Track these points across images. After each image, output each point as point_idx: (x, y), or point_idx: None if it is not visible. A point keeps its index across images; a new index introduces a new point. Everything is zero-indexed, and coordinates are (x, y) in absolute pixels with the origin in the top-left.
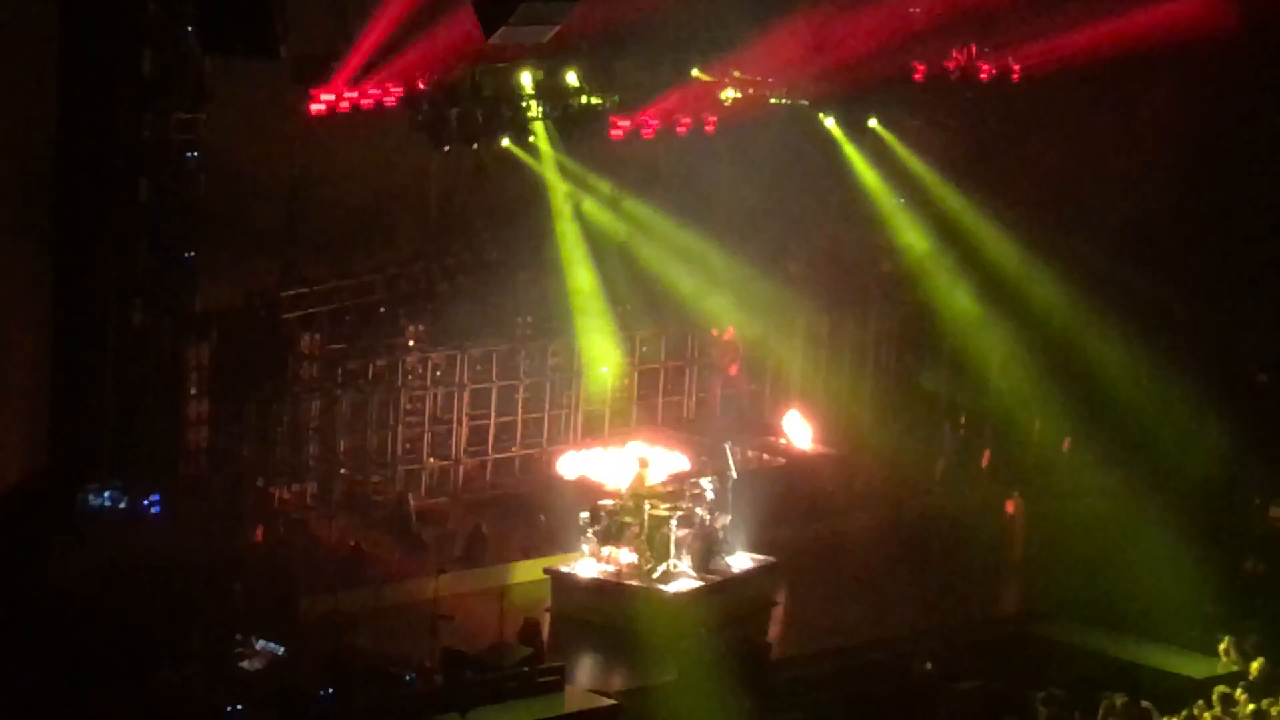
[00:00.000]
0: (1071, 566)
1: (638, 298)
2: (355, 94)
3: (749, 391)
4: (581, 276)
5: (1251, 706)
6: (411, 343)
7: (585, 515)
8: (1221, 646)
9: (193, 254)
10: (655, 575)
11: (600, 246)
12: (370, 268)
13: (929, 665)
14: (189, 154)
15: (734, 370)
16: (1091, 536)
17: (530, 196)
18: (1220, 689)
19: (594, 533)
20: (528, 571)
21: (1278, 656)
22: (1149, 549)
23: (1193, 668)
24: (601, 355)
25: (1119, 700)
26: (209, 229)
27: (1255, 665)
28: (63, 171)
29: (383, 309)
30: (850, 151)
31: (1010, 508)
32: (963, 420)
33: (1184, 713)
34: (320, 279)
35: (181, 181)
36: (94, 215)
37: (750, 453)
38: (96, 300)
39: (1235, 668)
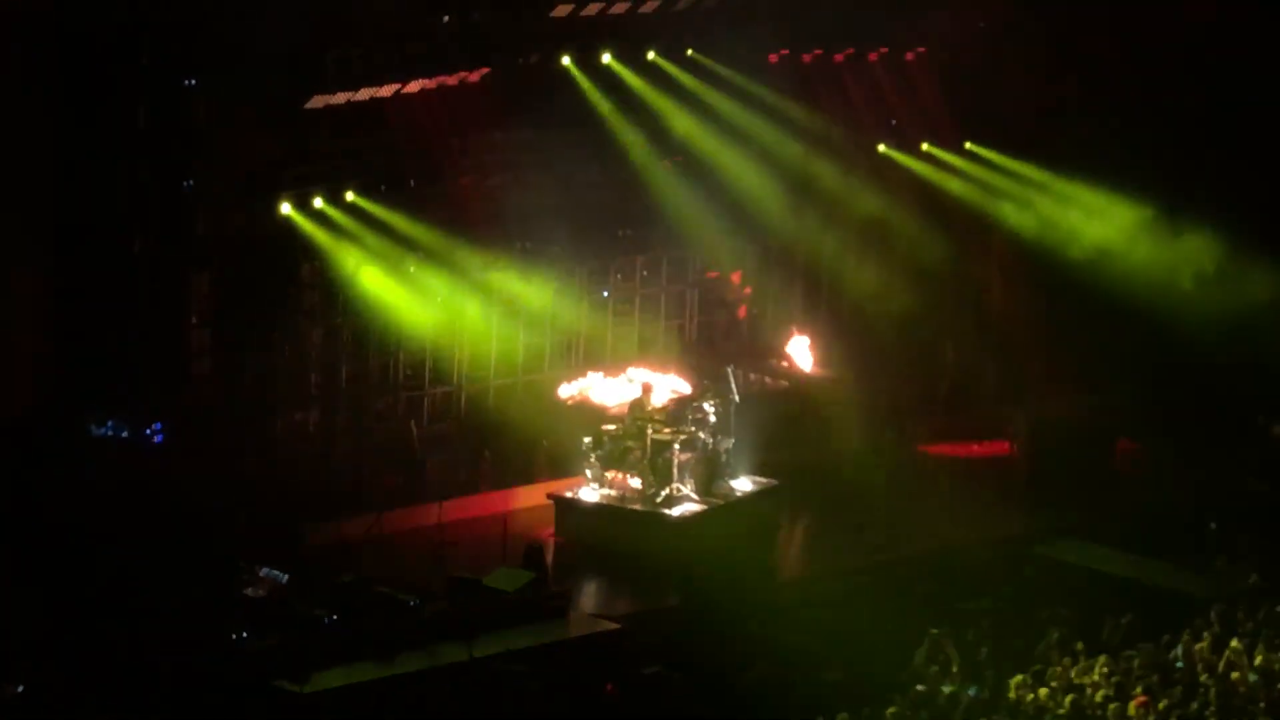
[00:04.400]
0: (1074, 485)
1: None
2: None
3: (752, 317)
4: None
5: (1250, 624)
6: (412, 269)
7: (588, 440)
8: (1217, 564)
9: (192, 181)
10: (659, 499)
11: None
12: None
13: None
14: (187, 81)
15: (742, 313)
16: (1093, 455)
17: None
18: (1218, 606)
19: (597, 458)
20: (531, 497)
21: (1274, 573)
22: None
23: (1193, 585)
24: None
25: (1124, 620)
26: (212, 156)
27: (1251, 580)
28: (64, 100)
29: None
30: None
31: (1012, 429)
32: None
33: (1186, 631)
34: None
35: (180, 107)
36: (95, 144)
37: (753, 376)
38: (98, 229)
39: (1233, 586)
